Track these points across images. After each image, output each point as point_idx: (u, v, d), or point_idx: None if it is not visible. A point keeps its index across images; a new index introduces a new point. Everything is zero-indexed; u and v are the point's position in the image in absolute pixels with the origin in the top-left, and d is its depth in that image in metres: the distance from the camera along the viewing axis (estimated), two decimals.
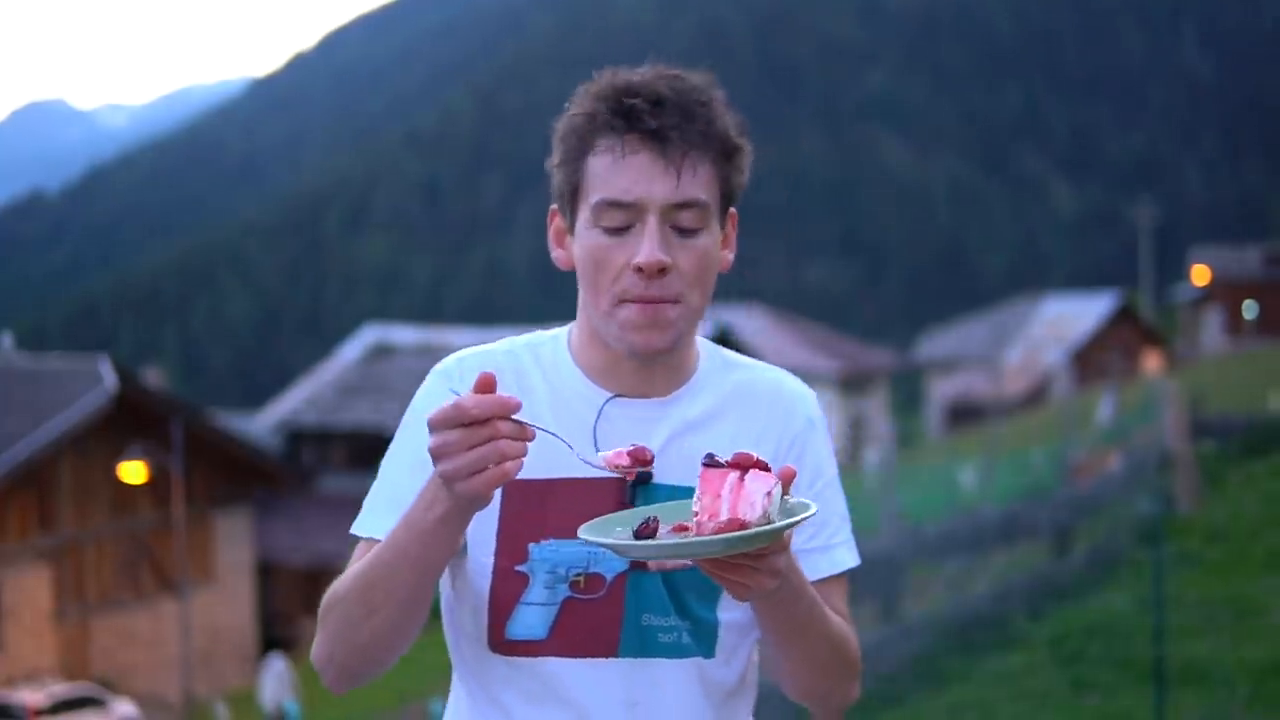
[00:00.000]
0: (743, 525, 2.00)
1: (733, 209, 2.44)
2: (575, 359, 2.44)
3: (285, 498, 40.39)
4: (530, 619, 2.34)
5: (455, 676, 2.50)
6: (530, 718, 2.36)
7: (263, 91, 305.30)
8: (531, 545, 2.33)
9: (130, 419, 31.52)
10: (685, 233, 2.29)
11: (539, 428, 2.07)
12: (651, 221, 2.26)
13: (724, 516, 2.01)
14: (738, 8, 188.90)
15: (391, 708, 25.55)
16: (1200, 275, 75.17)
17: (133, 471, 28.03)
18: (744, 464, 2.05)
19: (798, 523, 2.02)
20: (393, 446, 2.46)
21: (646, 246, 2.25)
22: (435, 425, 2.01)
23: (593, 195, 2.30)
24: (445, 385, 2.40)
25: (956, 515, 19.35)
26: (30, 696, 24.05)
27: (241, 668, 34.67)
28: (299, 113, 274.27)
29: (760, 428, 2.46)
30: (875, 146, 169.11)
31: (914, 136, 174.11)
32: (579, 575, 2.32)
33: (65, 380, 32.78)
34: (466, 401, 1.99)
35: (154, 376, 42.80)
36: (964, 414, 63.03)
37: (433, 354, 47.02)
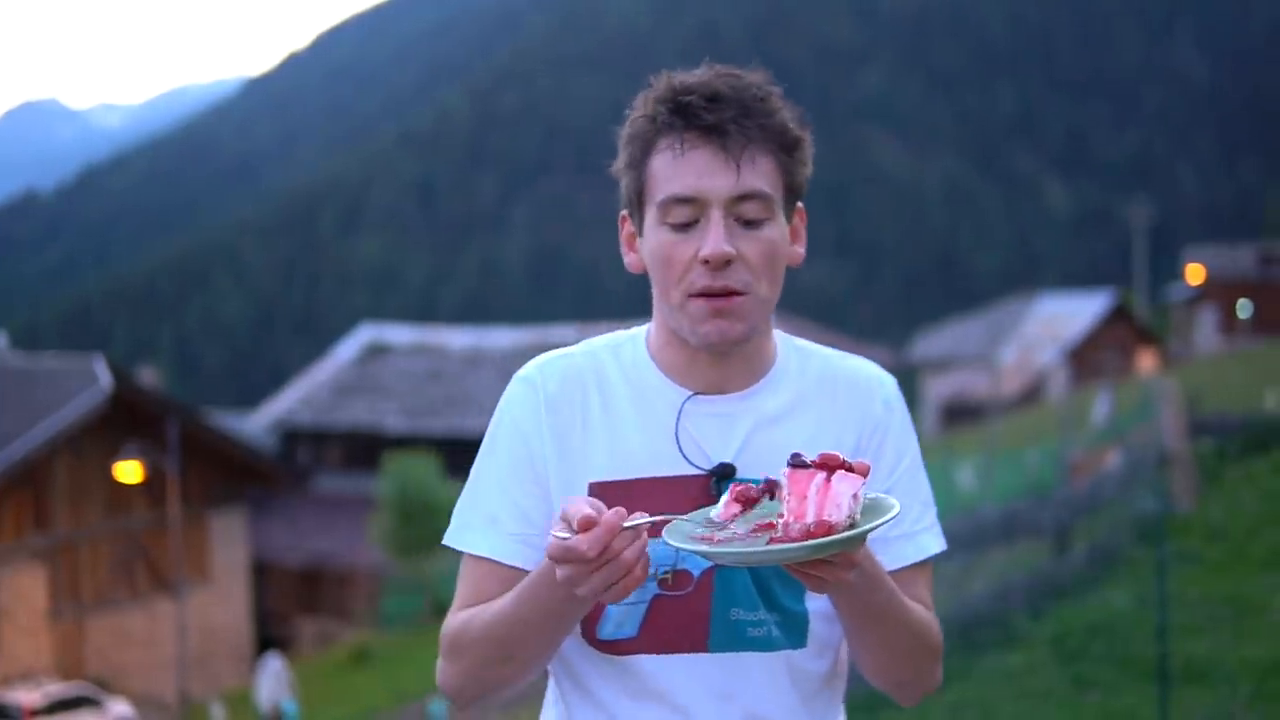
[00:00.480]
0: (830, 528, 2.01)
1: (800, 204, 2.46)
2: (654, 358, 2.46)
3: (280, 497, 40.40)
4: (620, 618, 2.37)
5: (551, 677, 2.53)
6: (630, 713, 2.39)
7: (257, 91, 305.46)
8: None
9: (125, 418, 31.49)
10: (750, 224, 2.32)
11: (650, 520, 2.07)
12: (715, 214, 2.29)
13: (810, 519, 2.02)
14: (733, 9, 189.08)
15: (390, 708, 25.56)
16: (1194, 274, 75.19)
17: (128, 471, 27.99)
18: (830, 464, 2.06)
19: (879, 526, 2.04)
20: (481, 456, 2.48)
21: (712, 238, 2.28)
22: (556, 561, 2.05)
23: (658, 194, 2.33)
24: (527, 390, 2.45)
25: (955, 514, 19.32)
26: (26, 696, 24.00)
27: (237, 667, 34.65)
28: (294, 112, 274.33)
29: (842, 417, 2.48)
30: (870, 147, 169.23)
31: (909, 136, 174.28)
32: (667, 572, 2.35)
33: (60, 380, 32.74)
34: (579, 545, 2.00)
35: (149, 376, 42.73)
36: (959, 413, 63.07)
37: (427, 353, 47.07)
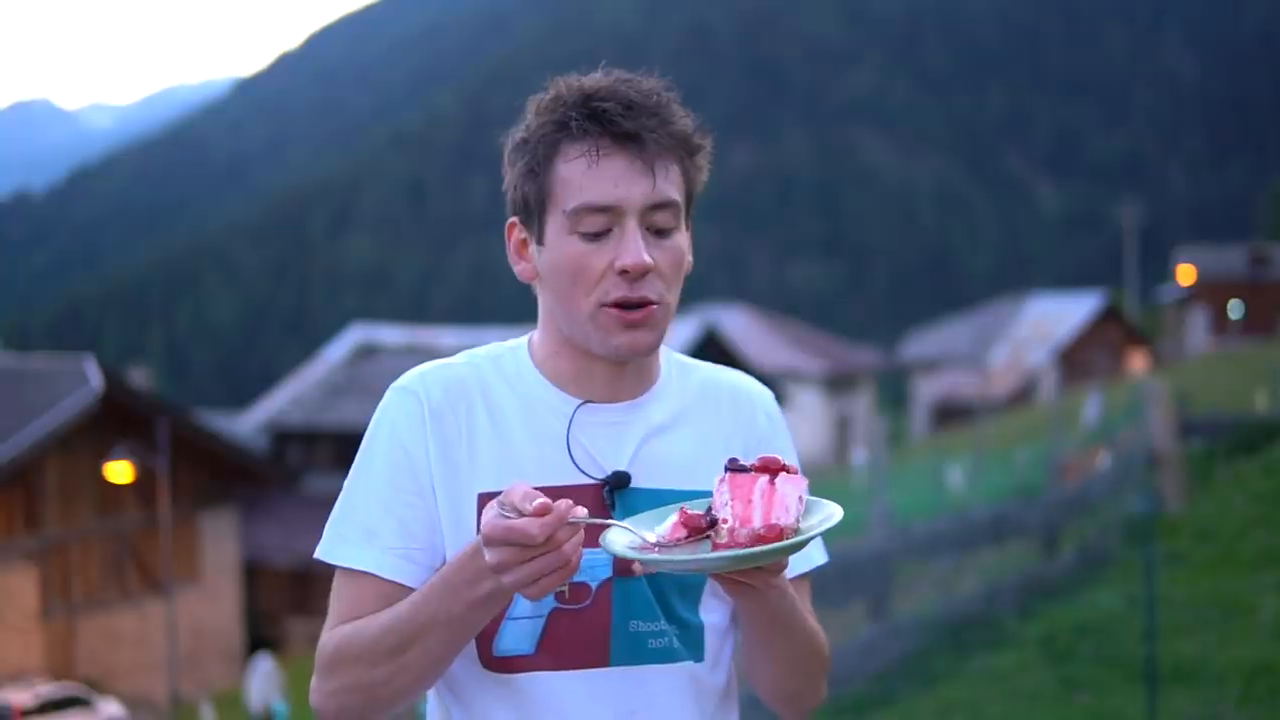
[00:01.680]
0: (781, 531, 2.01)
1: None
2: (540, 368, 2.41)
3: (271, 497, 40.33)
4: (518, 633, 2.31)
5: (433, 697, 2.44)
6: None
7: (248, 91, 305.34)
8: None
9: (116, 419, 31.45)
10: (660, 233, 2.29)
11: (593, 520, 2.05)
12: (631, 224, 2.25)
13: (758, 523, 2.01)
14: (723, 9, 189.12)
15: None
16: (1185, 275, 75.32)
17: (118, 471, 27.92)
18: (772, 468, 2.05)
19: (834, 524, 2.04)
20: (357, 468, 2.42)
21: (632, 249, 2.24)
22: (493, 543, 2.00)
23: (567, 202, 2.27)
24: (409, 400, 2.37)
25: (945, 515, 19.36)
26: (16, 696, 23.96)
27: (228, 668, 34.61)
28: (284, 113, 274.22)
29: (727, 428, 2.47)
30: (860, 147, 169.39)
31: (899, 137, 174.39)
32: (564, 586, 2.27)
33: (51, 380, 32.71)
34: (529, 527, 1.96)
35: (139, 377, 42.69)
36: (949, 414, 63.17)
37: (418, 354, 47.02)
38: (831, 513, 2.08)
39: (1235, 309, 73.35)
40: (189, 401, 58.71)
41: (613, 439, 2.35)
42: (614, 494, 2.32)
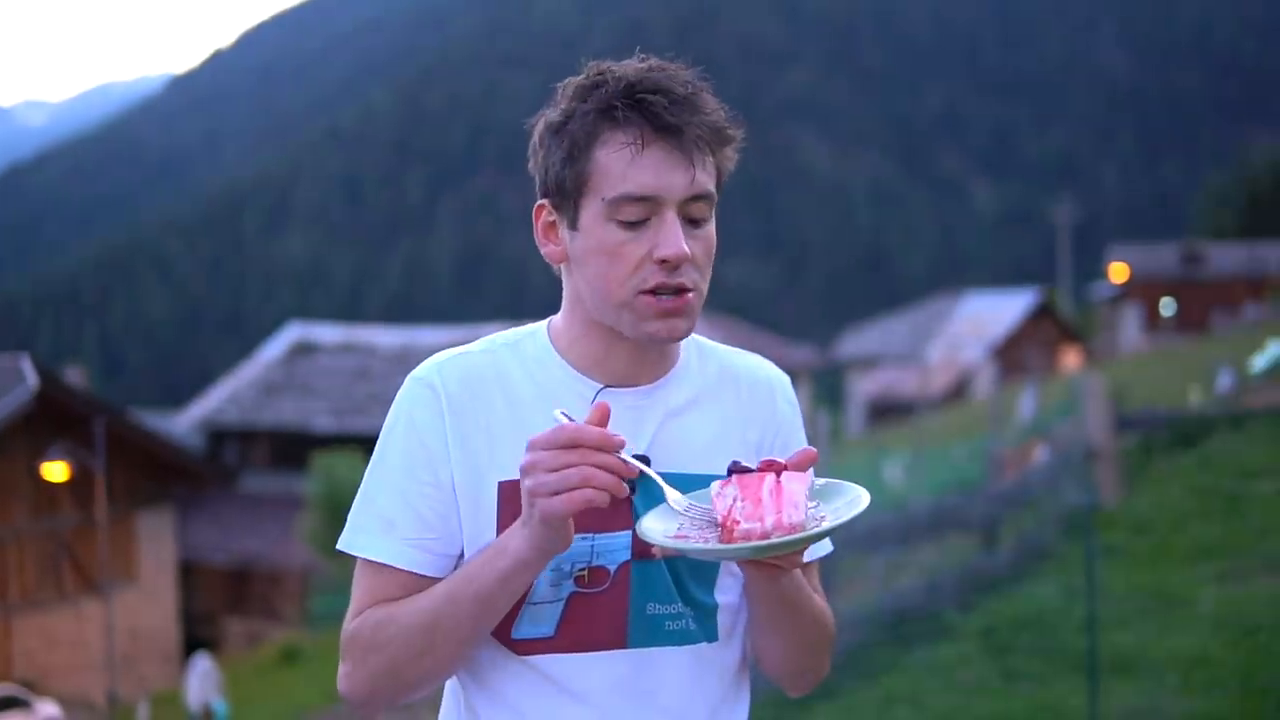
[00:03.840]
0: (793, 527, 2.05)
1: None
2: (561, 353, 2.44)
3: (208, 496, 40.14)
4: (537, 617, 2.34)
5: (453, 680, 2.47)
6: (545, 714, 2.35)
7: (182, 88, 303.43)
8: None
9: (51, 418, 31.21)
10: (695, 223, 2.33)
11: (640, 468, 2.12)
12: (670, 215, 2.28)
13: (769, 522, 2.05)
14: (658, 7, 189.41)
15: (320, 706, 25.47)
16: (1118, 273, 75.89)
17: (54, 471, 27.71)
18: (775, 467, 2.09)
19: (857, 513, 2.10)
20: (376, 459, 2.43)
21: (672, 239, 2.27)
22: (533, 444, 2.06)
23: (607, 190, 2.29)
24: (425, 391, 2.39)
25: (884, 510, 19.44)
26: None
27: (165, 668, 34.43)
28: (219, 110, 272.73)
29: (744, 413, 2.50)
30: (796, 146, 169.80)
31: (835, 136, 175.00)
32: (583, 569, 2.32)
33: None
34: (570, 426, 2.04)
35: (75, 375, 42.38)
36: (885, 411, 63.34)
37: (354, 352, 46.91)
38: (856, 496, 2.13)
39: (1168, 306, 73.96)
40: (124, 400, 58.40)
41: (632, 422, 2.37)
42: (632, 479, 2.32)
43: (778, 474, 2.08)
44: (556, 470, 2.03)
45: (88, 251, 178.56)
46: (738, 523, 2.07)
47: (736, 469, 2.12)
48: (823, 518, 2.11)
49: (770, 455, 2.33)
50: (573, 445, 2.03)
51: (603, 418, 2.07)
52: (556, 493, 2.04)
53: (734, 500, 2.08)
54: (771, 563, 2.17)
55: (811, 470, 2.14)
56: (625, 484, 2.21)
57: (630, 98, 2.29)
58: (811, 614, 2.43)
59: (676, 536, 2.14)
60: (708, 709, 2.43)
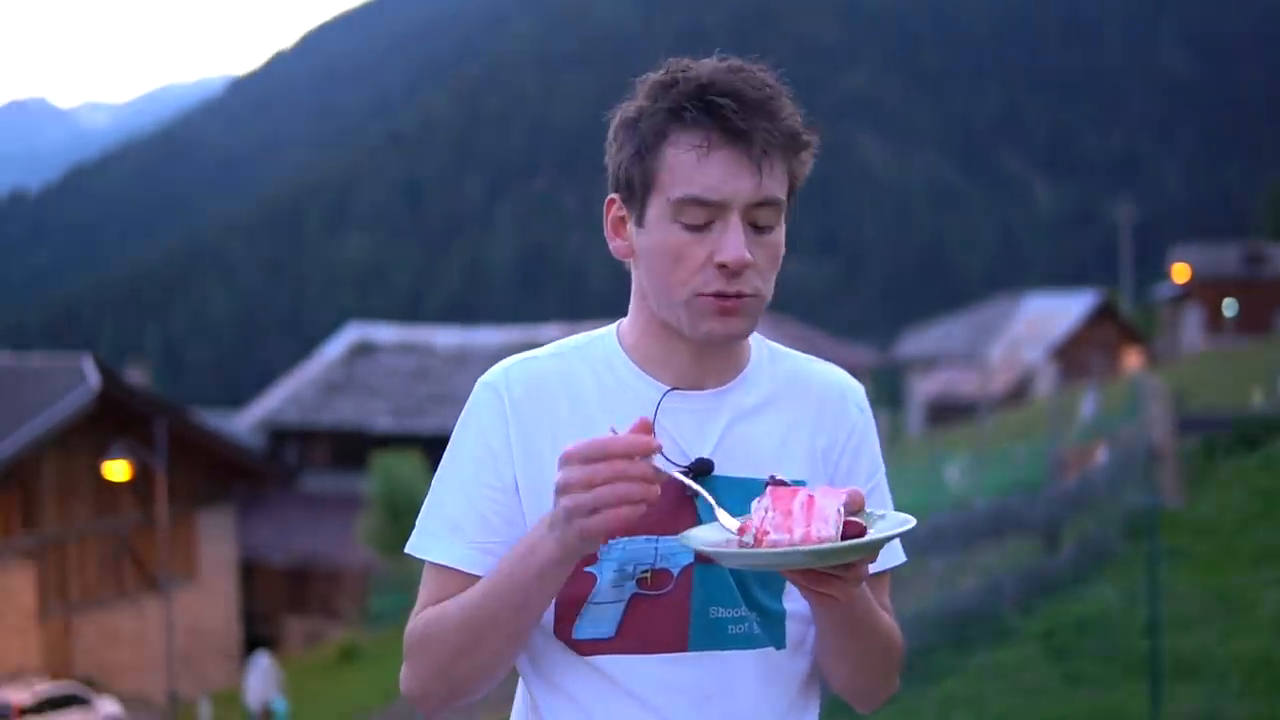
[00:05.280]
0: (820, 541, 2.03)
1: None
2: (628, 351, 2.44)
3: (268, 496, 40.37)
4: (598, 618, 2.33)
5: (522, 680, 2.48)
6: (607, 714, 2.34)
7: (243, 90, 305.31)
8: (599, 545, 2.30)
9: (113, 417, 31.46)
10: (761, 229, 2.30)
11: (674, 475, 2.11)
12: (735, 220, 2.26)
13: (798, 533, 2.04)
14: (717, 8, 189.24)
15: (379, 705, 25.55)
16: (1180, 273, 75.38)
17: (116, 470, 27.91)
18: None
19: (902, 533, 2.09)
20: (445, 463, 2.44)
21: (733, 245, 2.25)
22: (565, 459, 2.05)
23: (672, 190, 2.28)
24: (490, 395, 2.41)
25: (944, 511, 19.33)
26: (15, 695, 23.97)
27: (225, 666, 34.64)
28: (279, 111, 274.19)
29: (814, 419, 2.47)
30: (855, 146, 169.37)
31: (893, 136, 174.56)
32: (645, 572, 2.30)
33: (48, 379, 32.73)
34: (599, 438, 2.02)
35: (136, 375, 42.73)
36: (945, 411, 63.14)
37: (413, 352, 47.07)
38: (904, 519, 2.12)
39: (1230, 307, 73.40)
40: (185, 400, 58.68)
41: (698, 425, 2.36)
42: (696, 482, 2.29)
43: (810, 490, 2.07)
44: (589, 487, 2.01)
45: (149, 252, 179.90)
46: (767, 533, 2.06)
47: (773, 482, 2.12)
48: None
49: (840, 461, 2.37)
50: (602, 456, 2.01)
51: (643, 430, 2.04)
52: (595, 510, 2.02)
53: (766, 511, 2.07)
54: (818, 584, 2.12)
55: (848, 497, 2.09)
56: (685, 489, 2.22)
57: (701, 99, 2.27)
58: (877, 635, 2.38)
59: (722, 545, 2.11)
60: (773, 716, 2.40)
